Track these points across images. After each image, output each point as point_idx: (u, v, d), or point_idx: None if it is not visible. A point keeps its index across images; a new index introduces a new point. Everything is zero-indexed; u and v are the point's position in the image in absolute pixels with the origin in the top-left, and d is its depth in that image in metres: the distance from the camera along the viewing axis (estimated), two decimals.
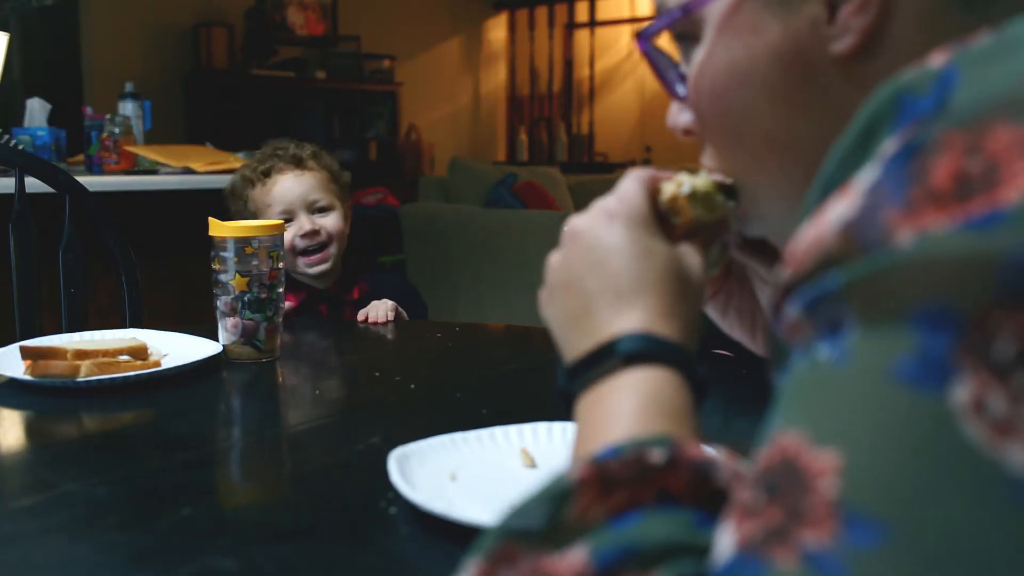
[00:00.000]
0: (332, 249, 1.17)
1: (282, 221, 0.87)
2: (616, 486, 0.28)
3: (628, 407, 0.33)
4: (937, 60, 0.25)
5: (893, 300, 0.22)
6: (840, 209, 0.24)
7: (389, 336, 1.04)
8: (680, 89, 0.39)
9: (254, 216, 1.17)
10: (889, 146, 0.24)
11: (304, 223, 1.15)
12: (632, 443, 0.29)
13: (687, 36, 0.38)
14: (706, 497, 0.28)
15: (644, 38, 0.40)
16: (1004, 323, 0.20)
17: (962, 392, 0.21)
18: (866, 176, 0.24)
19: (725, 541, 0.23)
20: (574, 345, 0.37)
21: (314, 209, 1.17)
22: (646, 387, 0.34)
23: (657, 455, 0.29)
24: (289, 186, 1.17)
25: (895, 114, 0.25)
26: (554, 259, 0.40)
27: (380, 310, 1.06)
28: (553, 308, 0.39)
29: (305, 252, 1.16)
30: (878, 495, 0.21)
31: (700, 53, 0.37)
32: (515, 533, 0.27)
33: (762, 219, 0.39)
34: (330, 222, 1.18)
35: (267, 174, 1.17)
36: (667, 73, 0.40)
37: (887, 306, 0.22)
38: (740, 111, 0.36)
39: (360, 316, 1.06)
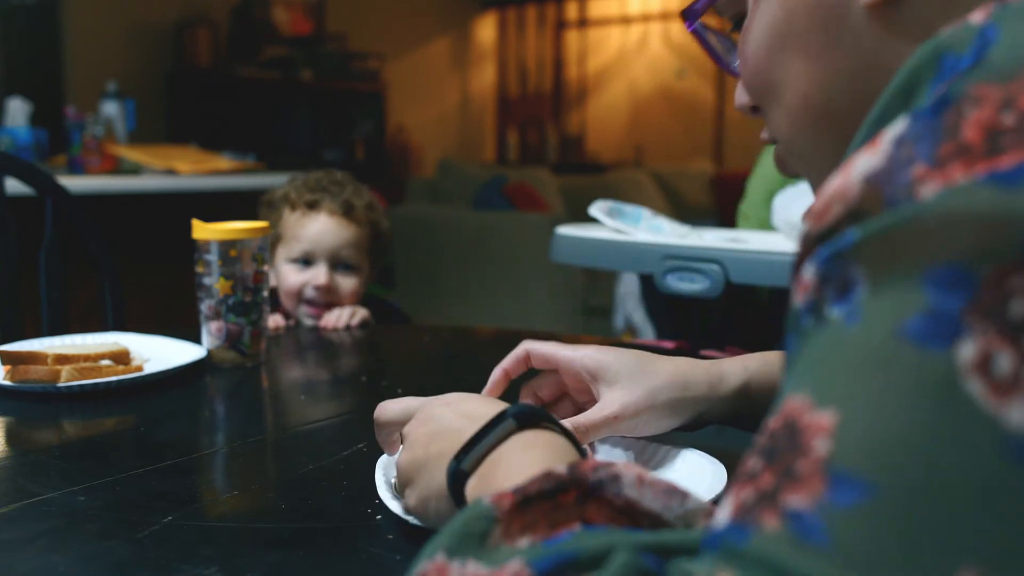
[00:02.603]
0: (340, 309, 1.06)
1: (267, 224, 0.86)
2: (537, 512, 0.28)
3: (530, 459, 0.34)
4: (978, 16, 0.25)
5: (907, 257, 0.22)
6: (865, 160, 0.24)
7: (376, 341, 1.04)
8: (734, 64, 0.40)
9: (278, 234, 1.09)
10: (924, 103, 0.24)
11: (320, 275, 1.05)
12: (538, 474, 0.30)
13: (734, 11, 0.38)
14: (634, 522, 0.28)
15: (691, 17, 0.40)
16: (1020, 285, 0.20)
17: (968, 350, 0.20)
18: (894, 128, 0.24)
19: (723, 511, 0.23)
20: (449, 456, 0.38)
21: (338, 263, 1.08)
22: (544, 442, 0.36)
23: (560, 467, 0.29)
24: (326, 232, 1.07)
25: (934, 73, 0.25)
26: (403, 458, 0.42)
27: (334, 314, 1.04)
28: (420, 465, 0.41)
29: (310, 302, 1.07)
30: (866, 453, 0.20)
31: (746, 23, 0.37)
32: (446, 552, 0.28)
33: (813, 184, 0.39)
34: (348, 284, 1.07)
35: (311, 207, 1.07)
36: (718, 50, 0.40)
37: (900, 263, 0.22)
38: (778, 72, 0.36)
39: (322, 323, 1.05)
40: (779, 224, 1.13)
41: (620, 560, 0.24)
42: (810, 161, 0.37)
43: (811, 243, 0.24)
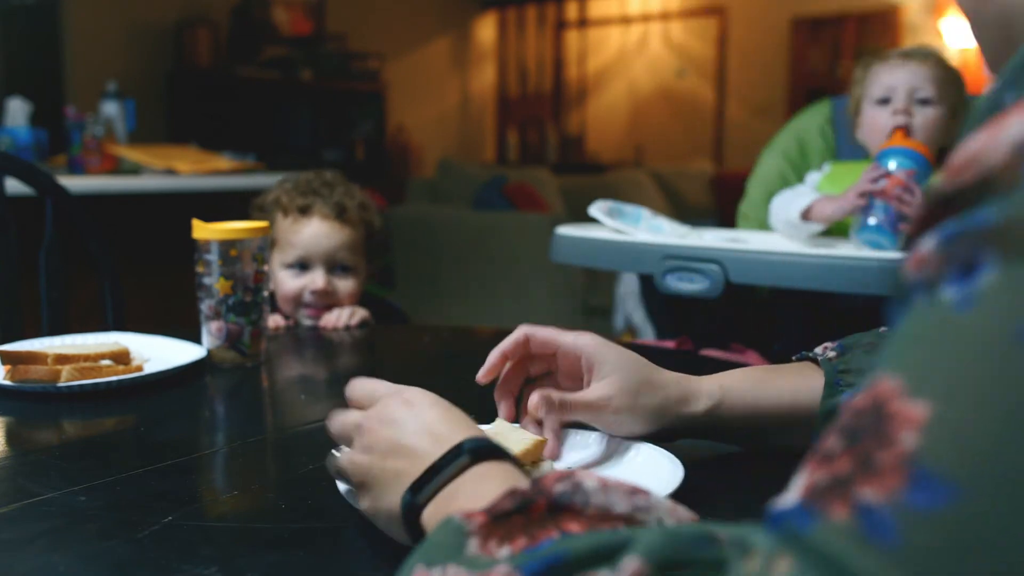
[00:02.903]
0: (339, 309, 1.06)
1: (267, 224, 0.86)
2: (513, 525, 0.28)
3: (487, 490, 0.34)
4: None
5: None
6: (1020, 122, 0.21)
7: (376, 341, 1.04)
8: None
9: (272, 239, 1.09)
10: None
11: (318, 280, 1.05)
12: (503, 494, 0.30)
13: None
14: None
15: None
16: None
17: None
18: None
19: (795, 487, 0.22)
20: (405, 481, 0.38)
21: (335, 266, 1.08)
22: (499, 473, 0.36)
23: (522, 484, 0.30)
24: (320, 237, 1.06)
25: None
26: (357, 457, 0.42)
27: (333, 315, 1.05)
28: (376, 476, 0.40)
29: (309, 305, 1.07)
30: (956, 455, 0.19)
31: None
32: (425, 564, 0.28)
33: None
34: (346, 286, 1.07)
35: (304, 212, 1.07)
36: None
37: None
38: None
39: (321, 323, 1.05)
40: (776, 224, 1.13)
41: (647, 538, 0.23)
42: (974, 33, 0.36)
43: (939, 206, 0.22)
